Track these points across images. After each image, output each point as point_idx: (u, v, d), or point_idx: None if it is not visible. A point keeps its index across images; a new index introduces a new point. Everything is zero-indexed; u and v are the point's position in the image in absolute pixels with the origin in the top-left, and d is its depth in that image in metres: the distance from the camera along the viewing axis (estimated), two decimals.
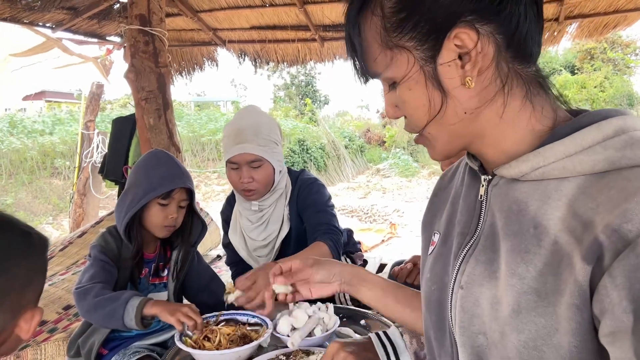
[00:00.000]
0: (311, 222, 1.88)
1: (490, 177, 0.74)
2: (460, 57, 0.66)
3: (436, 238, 0.85)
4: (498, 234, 0.69)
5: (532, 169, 0.65)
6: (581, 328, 0.57)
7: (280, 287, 1.11)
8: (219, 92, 27.27)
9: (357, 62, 0.74)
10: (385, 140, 15.13)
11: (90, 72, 4.46)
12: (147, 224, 1.61)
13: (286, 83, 22.92)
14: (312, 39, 3.87)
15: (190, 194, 1.66)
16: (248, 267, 1.97)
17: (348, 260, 2.13)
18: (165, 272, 1.72)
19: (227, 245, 2.07)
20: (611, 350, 0.55)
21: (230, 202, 2.09)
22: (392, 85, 0.73)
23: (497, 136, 0.70)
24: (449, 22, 0.64)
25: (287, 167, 2.03)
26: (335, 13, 3.59)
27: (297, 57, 4.14)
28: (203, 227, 1.77)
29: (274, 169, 1.84)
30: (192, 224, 1.73)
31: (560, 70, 16.81)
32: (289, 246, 1.95)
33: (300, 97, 21.48)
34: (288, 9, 3.58)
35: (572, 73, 16.71)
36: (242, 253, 1.98)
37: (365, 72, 0.74)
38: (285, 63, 4.22)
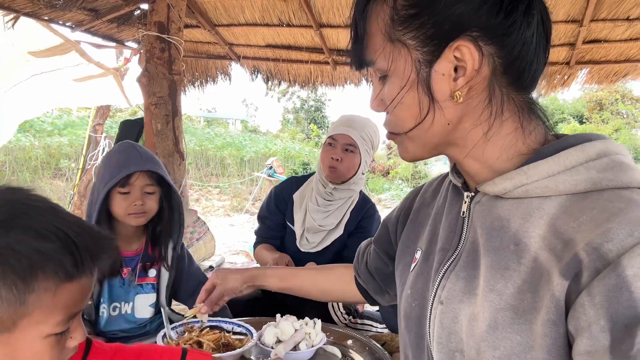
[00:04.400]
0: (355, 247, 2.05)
1: (473, 194, 0.74)
2: (455, 69, 0.65)
3: (418, 255, 0.84)
4: (479, 251, 0.69)
5: (515, 187, 0.65)
6: (556, 344, 0.57)
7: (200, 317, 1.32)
8: (229, 110, 27.49)
9: (356, 47, 0.73)
10: (389, 171, 15.17)
11: (109, 85, 4.43)
12: (115, 215, 1.53)
13: (296, 107, 23.13)
14: (325, 62, 3.92)
15: (159, 180, 1.56)
16: (272, 239, 2.20)
17: None
18: (154, 273, 1.65)
19: (262, 219, 2.24)
20: None
21: (295, 182, 2.25)
22: (382, 78, 0.73)
23: (482, 153, 0.70)
24: (454, 32, 0.64)
25: None
26: None
27: (309, 79, 4.18)
28: (180, 218, 1.68)
29: (359, 166, 2.05)
30: (172, 217, 1.65)
31: (569, 119, 16.93)
32: (336, 248, 2.13)
33: (308, 121, 21.63)
34: (304, 30, 3.64)
35: (580, 122, 16.83)
36: (297, 228, 2.13)
37: (362, 59, 0.73)
38: (296, 84, 4.27)
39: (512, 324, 0.60)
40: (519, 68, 0.66)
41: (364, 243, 1.21)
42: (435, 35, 0.65)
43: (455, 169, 0.81)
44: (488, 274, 0.65)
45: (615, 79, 3.54)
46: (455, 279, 0.70)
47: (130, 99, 4.43)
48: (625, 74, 3.50)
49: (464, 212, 0.75)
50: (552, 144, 0.66)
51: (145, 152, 1.55)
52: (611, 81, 3.57)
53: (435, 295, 0.73)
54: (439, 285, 0.73)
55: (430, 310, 0.73)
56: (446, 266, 0.73)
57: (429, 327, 0.73)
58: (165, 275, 1.67)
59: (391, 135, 0.76)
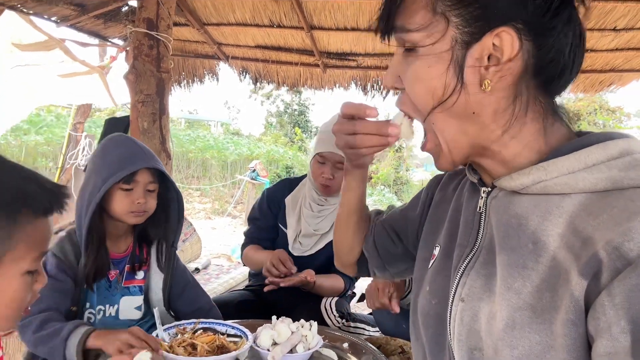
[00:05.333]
0: None
1: (489, 189, 0.73)
2: (489, 57, 0.64)
3: (437, 251, 0.83)
4: (495, 248, 0.68)
5: (533, 182, 0.64)
6: (576, 344, 0.56)
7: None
8: (211, 112, 27.33)
9: (391, 8, 0.70)
10: (371, 177, 15.23)
11: (94, 83, 4.32)
12: (112, 212, 1.45)
13: (279, 110, 23.05)
14: (315, 64, 3.90)
15: (159, 177, 1.51)
16: (263, 240, 2.16)
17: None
18: (142, 274, 1.60)
19: (254, 220, 2.22)
20: None
21: (288, 185, 2.22)
22: (407, 51, 0.70)
23: (501, 149, 0.69)
24: (501, 18, 0.63)
25: None
26: (341, 41, 3.63)
27: (298, 81, 4.15)
28: (180, 216, 1.63)
29: None
30: (169, 217, 1.60)
31: None
32: (329, 251, 2.09)
33: (292, 125, 21.57)
34: (295, 31, 3.61)
35: None
36: (290, 232, 2.10)
37: (393, 23, 0.70)
38: (285, 85, 4.24)
39: (530, 324, 0.59)
40: (549, 73, 0.66)
41: (372, 213, 1.15)
42: (481, 16, 0.64)
43: (471, 165, 0.80)
44: (505, 272, 0.64)
45: (600, 87, 3.61)
46: (476, 276, 0.69)
47: (114, 98, 4.34)
48: (610, 83, 3.57)
49: (480, 207, 0.74)
50: (573, 141, 0.66)
51: (146, 148, 1.51)
52: (596, 90, 3.64)
53: (455, 292, 0.72)
54: (458, 282, 0.72)
55: (451, 307, 0.72)
56: (465, 262, 0.72)
57: (450, 325, 0.72)
58: (156, 276, 1.63)
59: (426, 145, 0.74)
